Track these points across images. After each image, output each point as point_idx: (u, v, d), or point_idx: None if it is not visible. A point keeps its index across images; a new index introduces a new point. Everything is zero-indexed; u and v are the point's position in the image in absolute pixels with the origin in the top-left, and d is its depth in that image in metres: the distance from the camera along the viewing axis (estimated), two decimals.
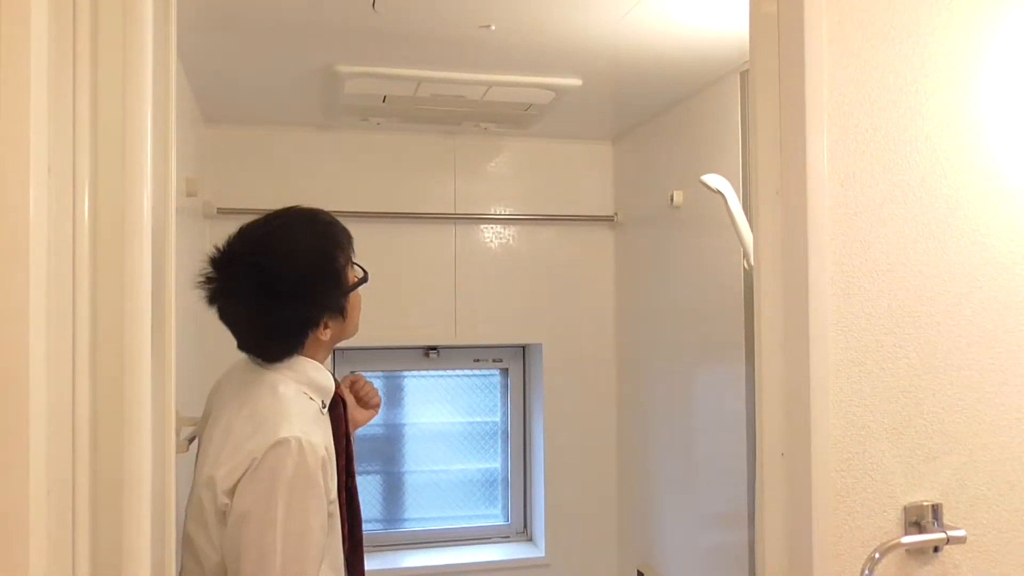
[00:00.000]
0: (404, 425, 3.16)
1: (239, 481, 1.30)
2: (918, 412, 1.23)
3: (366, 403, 1.84)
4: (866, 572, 1.14)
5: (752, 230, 1.32)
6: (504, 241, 3.03)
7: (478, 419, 3.24)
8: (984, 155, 1.29)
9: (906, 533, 1.21)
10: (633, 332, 3.03)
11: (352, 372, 1.95)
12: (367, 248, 2.66)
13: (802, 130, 1.18)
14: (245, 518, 1.29)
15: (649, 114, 2.77)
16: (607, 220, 3.08)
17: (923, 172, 1.26)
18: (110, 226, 1.01)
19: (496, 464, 3.25)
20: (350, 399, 1.79)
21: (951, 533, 1.19)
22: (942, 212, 1.27)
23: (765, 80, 1.25)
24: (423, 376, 3.18)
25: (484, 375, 3.24)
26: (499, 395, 3.26)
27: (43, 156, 0.89)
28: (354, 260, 1.57)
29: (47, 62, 0.90)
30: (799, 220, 1.19)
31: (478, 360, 3.19)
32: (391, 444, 3.15)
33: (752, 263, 2.16)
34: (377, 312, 2.88)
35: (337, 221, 1.55)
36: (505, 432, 3.24)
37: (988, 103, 1.30)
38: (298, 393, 1.44)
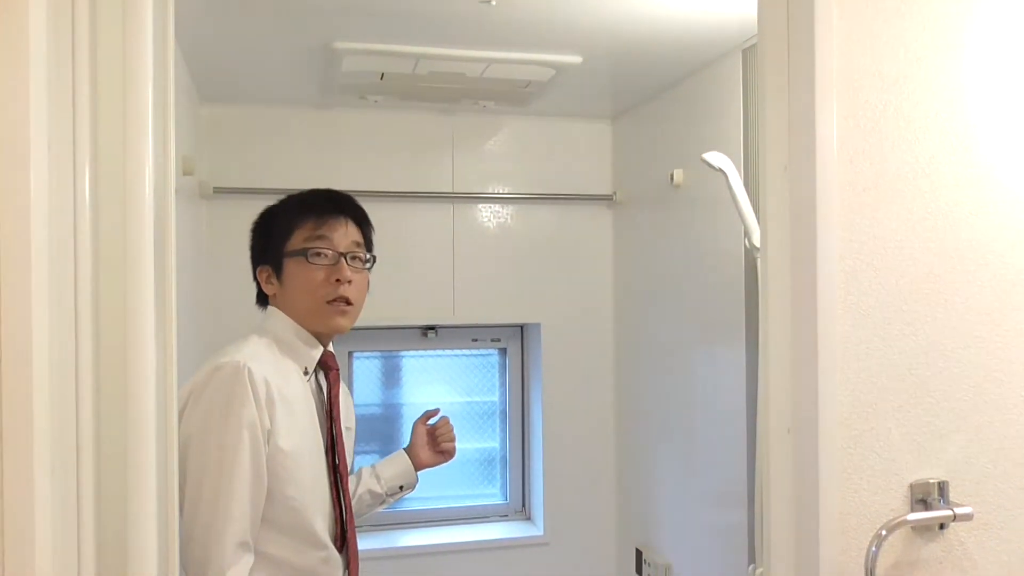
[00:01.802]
0: (402, 405, 3.16)
1: (184, 408, 1.38)
2: (925, 390, 1.23)
3: (437, 445, 1.88)
4: (872, 549, 1.14)
5: (759, 207, 1.31)
6: (502, 220, 3.01)
7: (476, 399, 3.23)
8: (994, 132, 1.28)
9: (912, 510, 1.21)
10: (632, 312, 3.02)
11: (432, 409, 1.96)
12: None
13: (811, 106, 1.17)
14: (188, 443, 1.36)
15: (649, 92, 2.75)
16: (606, 199, 3.06)
17: (932, 149, 1.25)
18: (111, 202, 0.99)
19: (495, 443, 3.25)
20: (420, 436, 1.87)
21: (957, 510, 1.20)
22: (951, 189, 1.26)
23: (774, 56, 1.24)
24: (421, 356, 3.17)
25: (482, 355, 3.24)
26: (497, 375, 3.26)
27: (43, 133, 0.88)
28: (321, 238, 1.56)
29: (46, 38, 0.88)
30: (807, 197, 1.18)
31: (476, 340, 3.18)
32: (389, 424, 3.15)
33: (753, 242, 2.15)
34: (375, 291, 2.87)
35: (329, 197, 1.63)
36: (503, 411, 3.24)
37: (999, 81, 1.29)
38: (269, 345, 1.51)
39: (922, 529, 1.21)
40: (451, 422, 1.92)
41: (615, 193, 3.05)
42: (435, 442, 1.88)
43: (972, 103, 1.27)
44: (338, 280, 1.54)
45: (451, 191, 2.94)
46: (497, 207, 3.00)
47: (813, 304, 1.17)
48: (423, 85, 2.49)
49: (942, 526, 1.22)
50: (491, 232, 3.00)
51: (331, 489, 1.55)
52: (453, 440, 1.89)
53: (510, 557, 3.05)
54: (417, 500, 3.16)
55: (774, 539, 1.22)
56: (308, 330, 1.56)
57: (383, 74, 2.37)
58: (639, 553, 2.89)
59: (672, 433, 2.72)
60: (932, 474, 1.22)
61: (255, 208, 2.71)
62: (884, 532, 1.16)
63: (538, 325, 3.06)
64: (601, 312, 3.11)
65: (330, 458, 1.56)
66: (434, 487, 3.18)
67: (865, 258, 1.21)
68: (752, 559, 2.22)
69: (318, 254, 1.54)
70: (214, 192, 2.62)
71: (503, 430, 3.24)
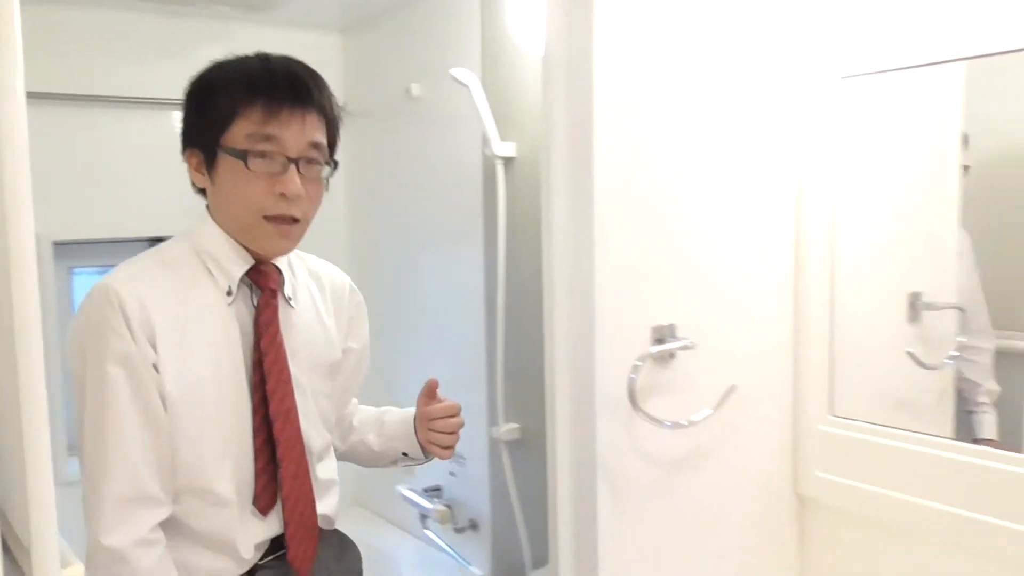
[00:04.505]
0: None
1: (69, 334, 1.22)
2: (670, 255, 1.58)
3: (438, 436, 1.49)
4: (631, 376, 1.50)
5: (544, 112, 1.53)
6: None
7: None
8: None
9: (653, 346, 1.58)
10: (367, 221, 3.19)
11: (432, 381, 1.52)
12: (77, 135, 2.53)
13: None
14: (72, 375, 1.21)
15: (383, 6, 2.88)
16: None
17: (688, 51, 1.55)
18: None
19: None
20: (420, 415, 1.51)
21: (684, 343, 1.60)
22: (700, 95, 1.56)
23: None
24: None
25: None
26: None
27: None
28: (267, 139, 1.22)
29: None
30: (585, 104, 1.45)
31: None
32: None
33: (494, 150, 2.45)
34: (95, 201, 2.76)
35: (290, 78, 1.25)
36: None
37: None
38: (176, 258, 1.27)
39: (659, 358, 1.59)
40: (461, 416, 1.51)
41: (346, 104, 3.15)
42: (436, 427, 1.49)
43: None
44: (283, 194, 1.24)
45: (179, 99, 2.83)
46: None
47: (590, 193, 1.45)
48: None
49: (672, 356, 1.61)
50: None
51: (254, 436, 1.28)
52: (451, 446, 1.49)
53: None
54: None
55: (558, 379, 1.53)
56: (240, 243, 1.29)
57: None
58: None
59: (414, 327, 2.98)
60: (667, 319, 1.61)
61: None
62: (639, 363, 1.52)
63: None
64: (333, 222, 3.24)
65: (256, 398, 1.28)
66: None
67: (631, 155, 1.50)
68: (494, 423, 2.59)
69: (261, 155, 1.22)
70: None
71: None
